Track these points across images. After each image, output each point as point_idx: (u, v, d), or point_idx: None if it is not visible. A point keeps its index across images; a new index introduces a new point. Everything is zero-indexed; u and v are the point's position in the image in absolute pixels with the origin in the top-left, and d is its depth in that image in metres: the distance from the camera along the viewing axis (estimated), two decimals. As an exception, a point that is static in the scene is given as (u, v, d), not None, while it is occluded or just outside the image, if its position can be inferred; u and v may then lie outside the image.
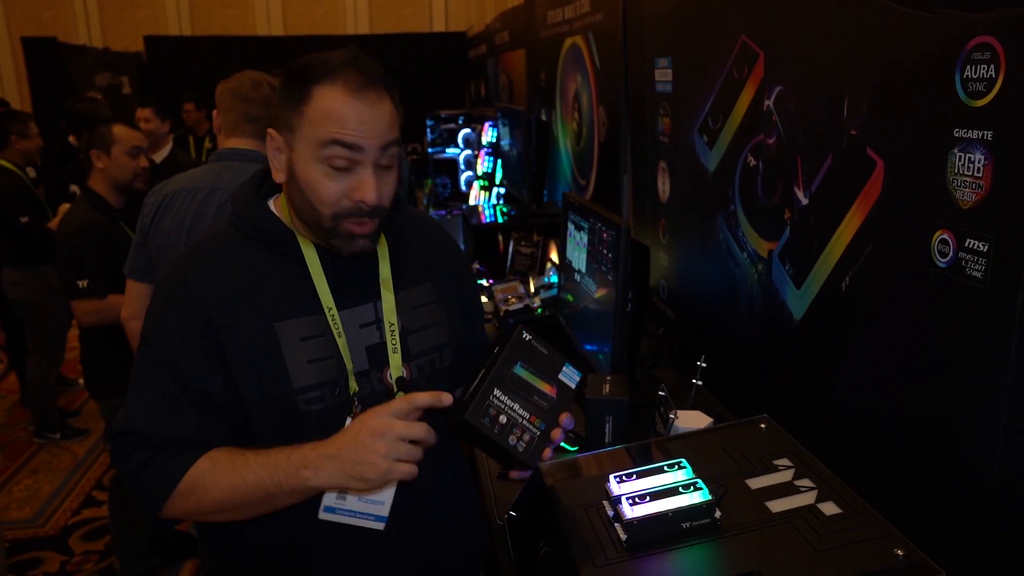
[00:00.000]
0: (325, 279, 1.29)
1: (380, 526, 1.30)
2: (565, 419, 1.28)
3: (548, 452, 1.27)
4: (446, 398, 1.19)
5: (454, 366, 1.42)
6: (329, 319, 1.28)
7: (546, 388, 1.26)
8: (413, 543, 1.36)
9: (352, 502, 1.29)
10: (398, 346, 1.33)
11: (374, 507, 1.31)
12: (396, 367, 1.33)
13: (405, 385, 1.33)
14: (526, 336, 1.29)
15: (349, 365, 1.28)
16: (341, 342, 1.28)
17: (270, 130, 1.28)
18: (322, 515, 1.29)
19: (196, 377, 1.24)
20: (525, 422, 1.24)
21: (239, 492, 1.21)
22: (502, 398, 1.24)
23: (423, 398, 1.19)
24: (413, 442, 1.18)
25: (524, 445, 1.23)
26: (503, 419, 1.23)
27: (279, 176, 1.28)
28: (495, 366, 1.26)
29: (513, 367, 1.26)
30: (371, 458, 1.15)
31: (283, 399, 1.25)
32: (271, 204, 1.36)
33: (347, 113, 1.19)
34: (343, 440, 1.18)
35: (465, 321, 1.50)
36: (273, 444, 1.26)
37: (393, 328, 1.33)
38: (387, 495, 1.30)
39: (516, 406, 1.24)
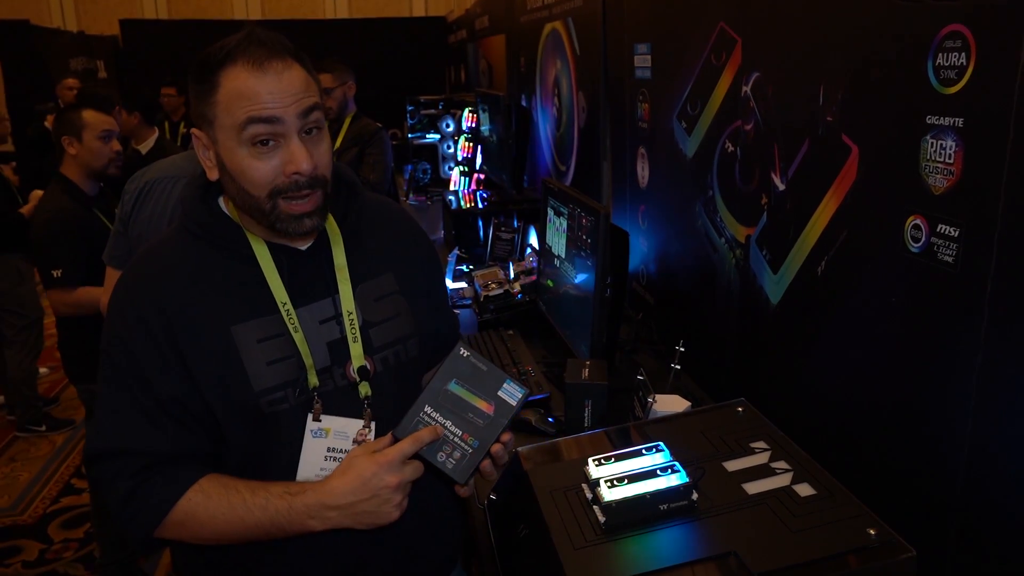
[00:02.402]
0: (279, 275, 1.27)
1: None
2: (508, 437, 1.26)
3: (487, 464, 1.24)
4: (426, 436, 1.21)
5: (420, 356, 1.40)
6: (284, 314, 1.25)
7: (482, 405, 1.24)
8: (390, 532, 1.36)
9: None
10: (358, 335, 1.31)
11: None
12: (357, 356, 1.30)
13: (368, 376, 1.31)
14: (463, 352, 1.26)
15: (308, 360, 1.26)
16: (298, 337, 1.25)
17: (193, 130, 1.24)
18: None
19: (167, 387, 1.22)
20: (456, 439, 1.22)
21: (237, 531, 1.21)
22: (433, 415, 1.22)
23: (409, 446, 1.19)
24: None
25: (453, 462, 1.21)
26: None
27: (212, 174, 1.25)
28: (430, 383, 1.25)
29: (447, 384, 1.24)
30: (386, 508, 1.18)
31: (246, 403, 1.23)
32: (221, 202, 1.32)
33: (256, 87, 1.15)
34: (354, 491, 1.17)
35: (431, 308, 1.47)
36: (243, 447, 1.25)
37: (352, 317, 1.31)
38: None
39: (448, 423, 1.22)
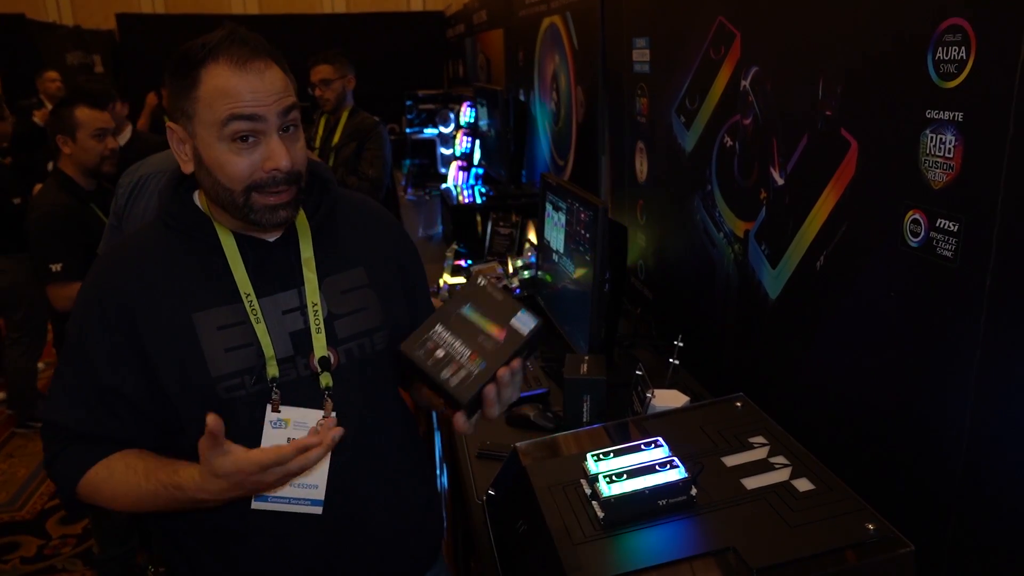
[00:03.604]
0: (244, 266, 1.29)
1: (317, 510, 1.30)
2: (517, 364, 1.23)
3: (491, 390, 1.20)
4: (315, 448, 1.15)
5: (388, 350, 1.40)
6: (246, 304, 1.28)
7: (494, 330, 1.23)
8: (355, 528, 1.35)
9: (284, 488, 1.28)
10: (322, 327, 1.32)
11: (308, 491, 1.29)
12: (320, 348, 1.32)
13: (330, 367, 1.32)
14: (481, 282, 1.28)
15: (268, 351, 1.28)
16: (259, 328, 1.27)
17: (169, 123, 1.27)
18: (255, 504, 1.29)
19: (108, 375, 1.25)
20: (463, 359, 1.21)
21: (140, 507, 1.27)
22: (443, 333, 1.23)
23: (266, 457, 1.15)
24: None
25: (457, 381, 1.19)
26: (440, 353, 1.21)
27: (187, 167, 1.28)
28: (443, 305, 1.26)
29: (461, 308, 1.25)
30: (263, 488, 1.20)
31: (203, 388, 1.25)
32: (195, 196, 1.35)
33: (238, 86, 1.18)
34: (221, 490, 1.17)
35: (408, 306, 1.48)
36: (200, 432, 1.23)
37: (316, 308, 1.32)
38: (320, 478, 1.29)
39: (457, 343, 1.22)
